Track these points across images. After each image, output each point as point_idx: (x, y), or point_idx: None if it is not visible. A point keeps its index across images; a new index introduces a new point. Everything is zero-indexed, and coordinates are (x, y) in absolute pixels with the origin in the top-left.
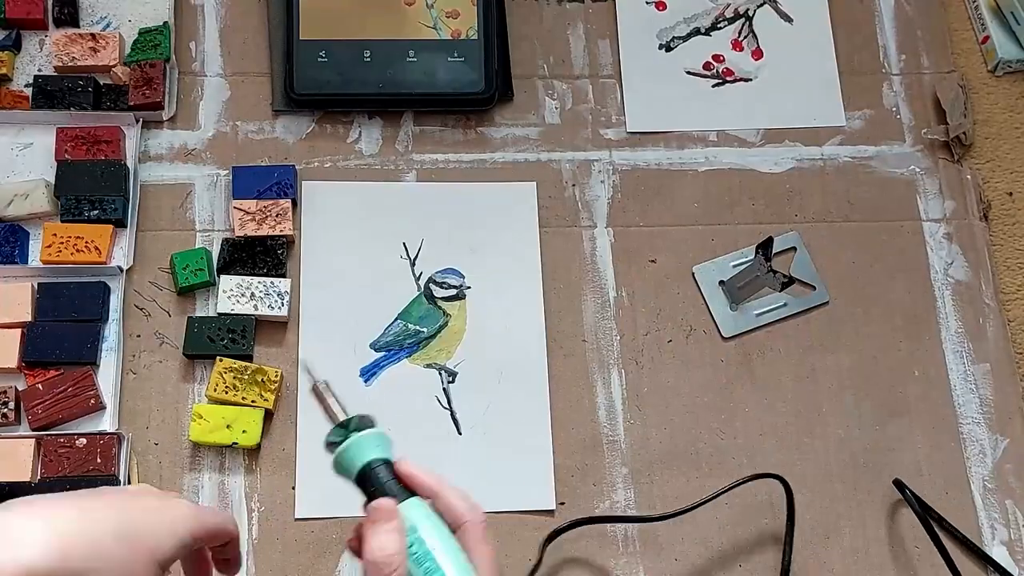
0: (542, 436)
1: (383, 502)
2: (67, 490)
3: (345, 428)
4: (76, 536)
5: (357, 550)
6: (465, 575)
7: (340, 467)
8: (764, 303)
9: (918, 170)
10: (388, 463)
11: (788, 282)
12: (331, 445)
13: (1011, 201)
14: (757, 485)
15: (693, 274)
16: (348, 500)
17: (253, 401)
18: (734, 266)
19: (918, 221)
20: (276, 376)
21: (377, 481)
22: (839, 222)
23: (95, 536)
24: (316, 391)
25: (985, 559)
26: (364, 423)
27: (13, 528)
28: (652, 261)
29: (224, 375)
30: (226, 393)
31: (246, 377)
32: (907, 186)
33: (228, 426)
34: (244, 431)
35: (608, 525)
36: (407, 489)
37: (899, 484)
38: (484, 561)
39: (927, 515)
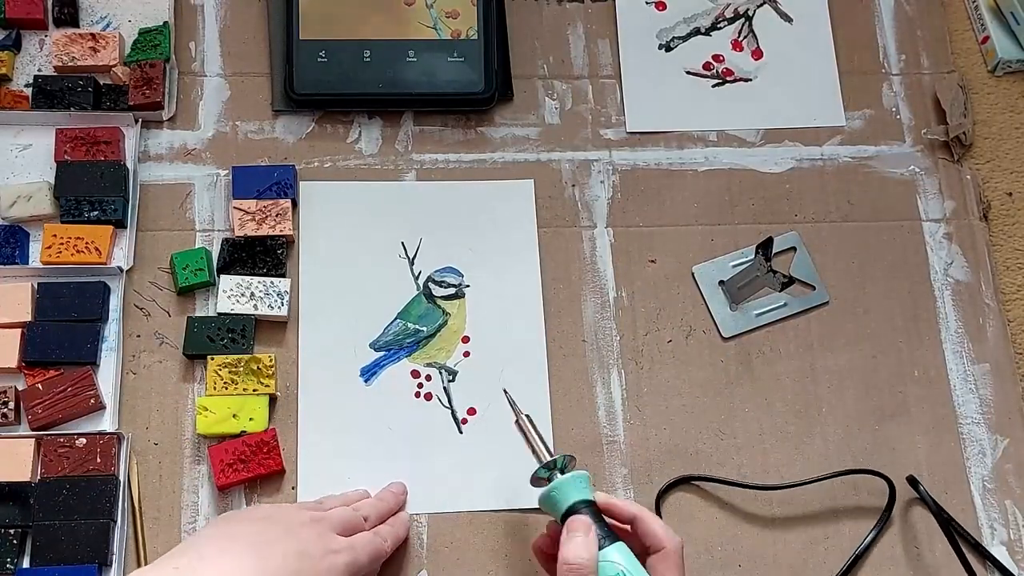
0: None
1: (580, 517)
2: (66, 491)
3: (552, 467)
4: None
5: (543, 553)
6: None
7: (548, 505)
8: (764, 303)
9: (918, 170)
10: (590, 503)
11: (788, 282)
12: (537, 480)
13: (1011, 201)
14: (757, 489)
15: (693, 274)
16: None
17: (255, 390)
18: (734, 266)
19: (918, 221)
20: (271, 361)
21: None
22: (839, 222)
23: None
24: (520, 426)
25: (989, 559)
26: (567, 463)
27: None
28: (652, 261)
29: (219, 372)
30: (226, 389)
31: (241, 368)
32: (907, 186)
33: (234, 415)
34: (251, 419)
35: None
36: (612, 532)
37: (912, 481)
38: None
39: (941, 513)
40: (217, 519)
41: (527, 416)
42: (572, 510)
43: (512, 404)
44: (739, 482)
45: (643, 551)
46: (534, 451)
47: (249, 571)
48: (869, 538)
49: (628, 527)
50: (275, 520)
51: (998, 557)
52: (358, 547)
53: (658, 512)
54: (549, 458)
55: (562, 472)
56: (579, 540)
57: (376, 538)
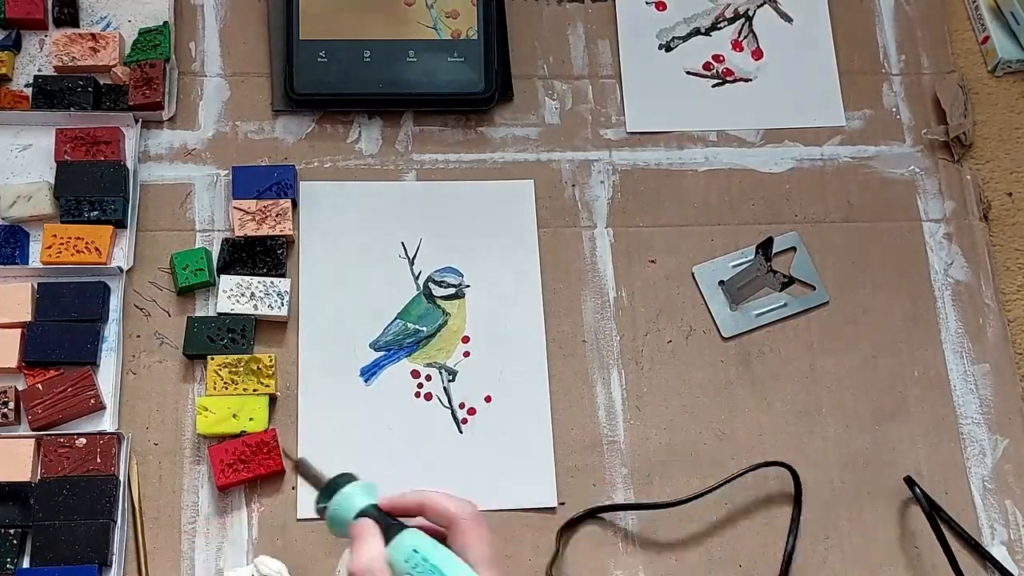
0: (542, 434)
1: (357, 523)
2: (66, 491)
3: (329, 491)
4: None
5: None
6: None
7: (336, 528)
8: (764, 303)
9: (918, 170)
10: (375, 506)
11: (788, 282)
12: (322, 510)
13: (1011, 201)
14: (757, 485)
15: (693, 274)
16: None
17: (255, 390)
18: (734, 266)
19: (918, 221)
20: (271, 361)
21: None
22: (839, 222)
23: None
24: (298, 468)
25: (988, 559)
26: (344, 480)
27: None
28: (652, 261)
29: (219, 372)
30: (226, 389)
31: (241, 368)
32: (907, 186)
33: (234, 415)
34: (251, 419)
35: (607, 525)
36: (401, 524)
37: (909, 481)
38: (479, 548)
39: (935, 514)
40: None
41: (303, 459)
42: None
43: (286, 454)
44: (641, 504)
45: (443, 534)
46: (313, 485)
47: None
48: (791, 540)
49: (421, 519)
50: None
51: (998, 557)
52: None
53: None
54: (325, 481)
55: None
56: (359, 547)
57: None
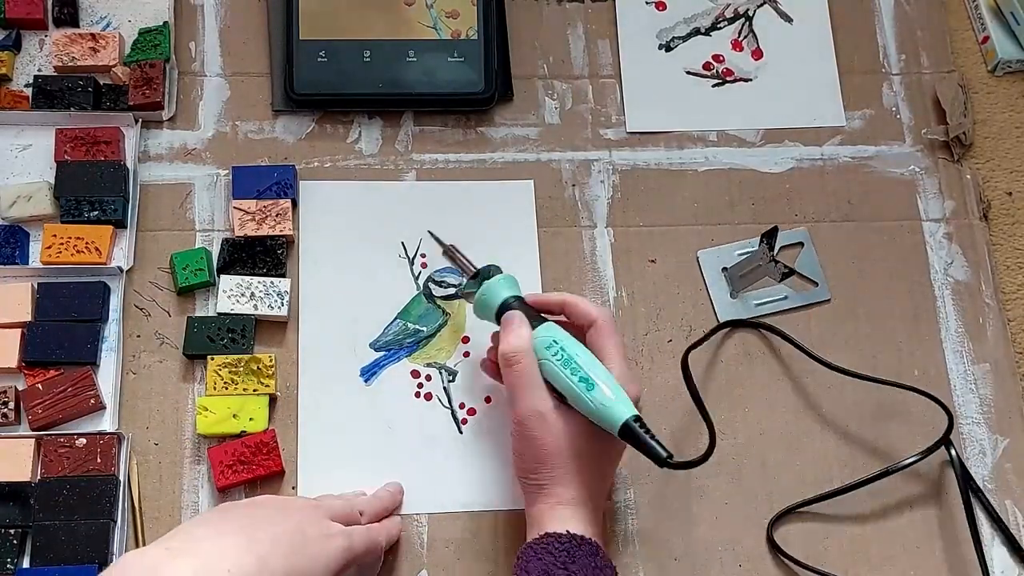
0: None
1: (510, 313)
2: (67, 491)
3: (477, 279)
4: None
5: (492, 364)
6: (600, 369)
7: (482, 310)
8: (765, 294)
9: (918, 170)
10: (519, 298)
11: (788, 273)
12: (468, 295)
13: (1011, 201)
14: (758, 487)
15: (697, 258)
16: None
17: (255, 390)
18: (738, 254)
19: (918, 221)
20: (271, 361)
21: (508, 311)
22: (839, 222)
23: None
24: (448, 253)
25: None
26: (493, 271)
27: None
28: (652, 261)
29: (220, 372)
30: (226, 389)
31: (241, 368)
32: (907, 186)
33: (234, 415)
34: (251, 419)
35: (608, 526)
36: (540, 315)
37: (947, 443)
38: (613, 350)
39: (967, 483)
40: (215, 507)
41: (452, 245)
42: (505, 307)
43: (436, 239)
44: (811, 352)
45: (580, 332)
46: (463, 270)
47: (240, 550)
48: (911, 460)
49: (563, 317)
50: (270, 505)
51: (998, 559)
52: (354, 535)
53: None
54: (475, 270)
55: None
56: (510, 332)
57: (371, 531)
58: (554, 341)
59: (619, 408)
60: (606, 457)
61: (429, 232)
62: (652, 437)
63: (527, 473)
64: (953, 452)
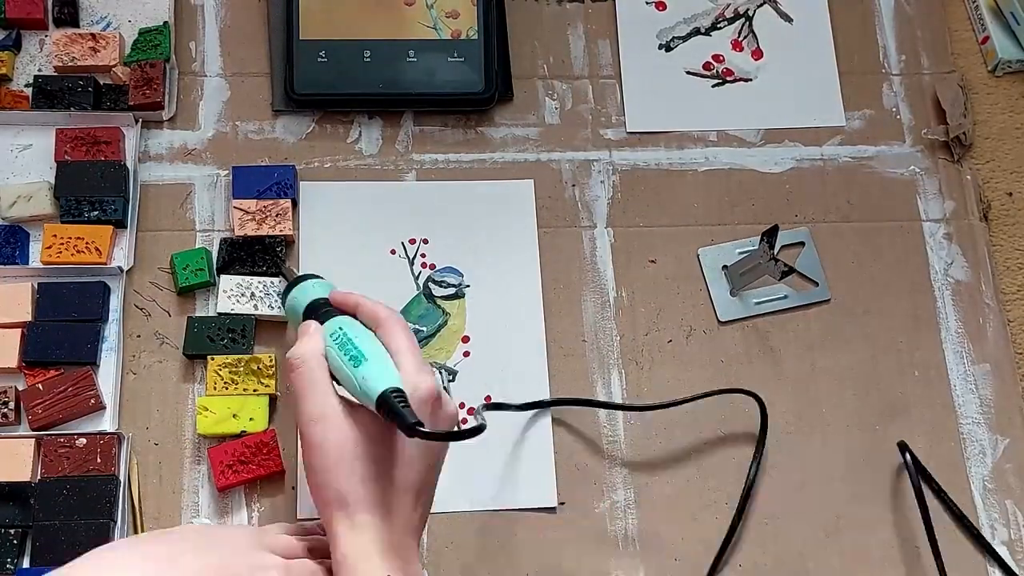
0: (542, 434)
1: (305, 322)
2: (67, 491)
3: (292, 286)
4: None
5: None
6: (376, 349)
7: (291, 313)
8: (765, 293)
9: (918, 170)
10: (325, 300)
11: (788, 272)
12: (283, 299)
13: (1011, 201)
14: (757, 482)
15: (698, 256)
16: None
17: (255, 390)
18: (739, 252)
19: (918, 221)
20: (271, 361)
21: (316, 313)
22: (839, 222)
23: None
24: (280, 268)
25: (989, 551)
26: (308, 278)
27: None
28: (652, 261)
29: (220, 372)
30: (226, 389)
31: (241, 368)
32: (907, 186)
33: (234, 415)
34: (251, 419)
35: (608, 526)
36: (340, 312)
37: (902, 446)
38: (398, 340)
39: (919, 479)
40: (139, 535)
41: (285, 262)
42: (309, 311)
43: (278, 257)
44: (611, 403)
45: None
46: (284, 276)
47: None
48: (754, 468)
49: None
50: (201, 533)
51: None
52: (294, 570)
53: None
54: (295, 276)
55: None
56: (302, 340)
57: (318, 569)
58: (339, 328)
59: (378, 381)
60: (401, 464)
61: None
62: (405, 406)
63: (318, 489)
64: (907, 456)
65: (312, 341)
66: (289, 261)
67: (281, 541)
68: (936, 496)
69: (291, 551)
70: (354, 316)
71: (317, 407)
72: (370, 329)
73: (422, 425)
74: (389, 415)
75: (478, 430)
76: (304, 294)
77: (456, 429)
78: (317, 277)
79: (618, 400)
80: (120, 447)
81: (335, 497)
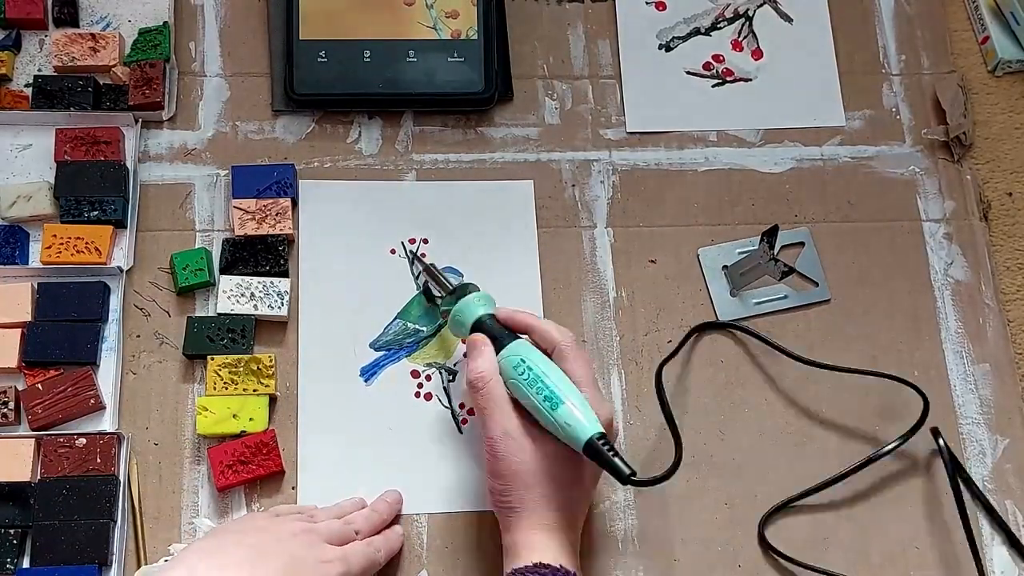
0: None
1: (474, 336)
2: (67, 491)
3: (454, 296)
4: None
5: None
6: (568, 386)
7: (456, 328)
8: (765, 293)
9: (918, 170)
10: (492, 316)
11: (788, 272)
12: (445, 312)
13: (1011, 201)
14: (757, 488)
15: (698, 256)
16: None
17: (255, 390)
18: (739, 252)
19: (918, 221)
20: (271, 361)
21: (482, 329)
22: (839, 222)
23: None
24: (428, 270)
25: (1003, 527)
26: (469, 288)
27: None
28: (652, 261)
29: (219, 372)
30: (226, 389)
31: (241, 369)
32: (907, 186)
33: (234, 415)
34: (251, 419)
35: (607, 526)
36: (513, 333)
37: (935, 432)
38: (579, 369)
39: (956, 472)
40: (211, 531)
41: (431, 264)
42: (477, 326)
43: (415, 259)
44: (779, 345)
45: (548, 354)
46: (440, 287)
47: None
48: (891, 446)
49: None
50: (268, 532)
51: (997, 558)
52: (350, 557)
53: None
54: (451, 287)
55: None
56: (475, 355)
57: (369, 549)
58: (522, 360)
59: (583, 426)
60: (579, 481)
61: (408, 251)
62: (616, 455)
63: (500, 495)
64: (941, 441)
65: (487, 359)
66: (289, 261)
67: (334, 529)
68: (964, 485)
69: (344, 536)
70: (523, 332)
71: (502, 426)
72: (545, 352)
73: (635, 474)
74: (599, 461)
75: (673, 470)
76: (470, 311)
77: (663, 473)
78: (475, 288)
79: (618, 401)
80: (120, 447)
81: (515, 503)
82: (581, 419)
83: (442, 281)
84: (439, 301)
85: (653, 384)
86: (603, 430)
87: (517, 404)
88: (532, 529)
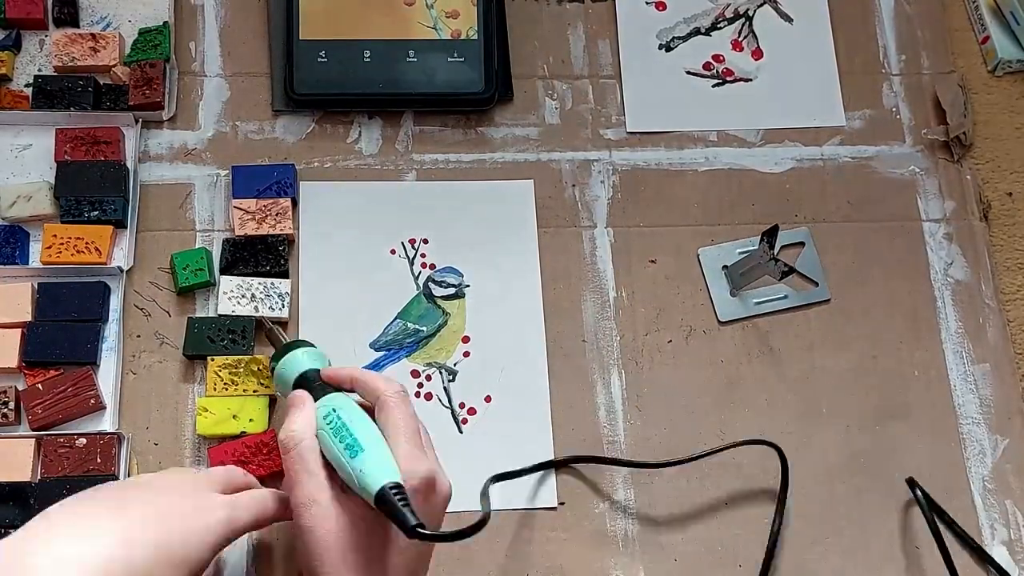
0: (542, 434)
1: (295, 393)
2: (67, 491)
3: (281, 353)
4: (117, 569)
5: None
6: (374, 437)
7: (279, 383)
8: (764, 293)
9: (918, 170)
10: (316, 371)
11: (788, 272)
12: (271, 369)
13: (1011, 201)
14: (757, 481)
15: (698, 256)
16: None
17: (255, 391)
18: (739, 252)
19: (918, 221)
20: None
21: (306, 385)
22: (839, 222)
23: (135, 564)
24: (264, 330)
25: (989, 561)
26: (299, 345)
27: (56, 559)
28: (652, 261)
29: (220, 373)
30: (226, 390)
31: (241, 370)
32: (907, 186)
33: (234, 416)
34: (251, 419)
35: (608, 526)
36: (334, 388)
37: (911, 482)
38: (400, 422)
39: (935, 516)
40: (86, 490)
41: (270, 321)
42: (300, 382)
43: (261, 318)
44: (624, 460)
45: (371, 406)
46: (273, 344)
47: (103, 532)
48: (776, 522)
49: (354, 393)
50: (142, 483)
51: (998, 558)
52: (240, 504)
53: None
54: (284, 343)
55: None
56: (291, 415)
57: (267, 497)
58: (333, 409)
59: (376, 475)
60: (394, 549)
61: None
62: (406, 505)
63: (307, 571)
64: (918, 492)
65: (304, 417)
66: (289, 261)
67: (220, 474)
68: (947, 526)
69: (234, 482)
70: (350, 390)
71: (309, 493)
72: (368, 404)
73: (423, 527)
74: (388, 514)
75: (481, 525)
76: (293, 366)
77: (457, 530)
78: (309, 345)
79: (618, 401)
80: (120, 447)
81: None
82: (375, 468)
83: (274, 338)
84: (270, 360)
85: (653, 381)
86: (399, 480)
87: (331, 471)
88: None
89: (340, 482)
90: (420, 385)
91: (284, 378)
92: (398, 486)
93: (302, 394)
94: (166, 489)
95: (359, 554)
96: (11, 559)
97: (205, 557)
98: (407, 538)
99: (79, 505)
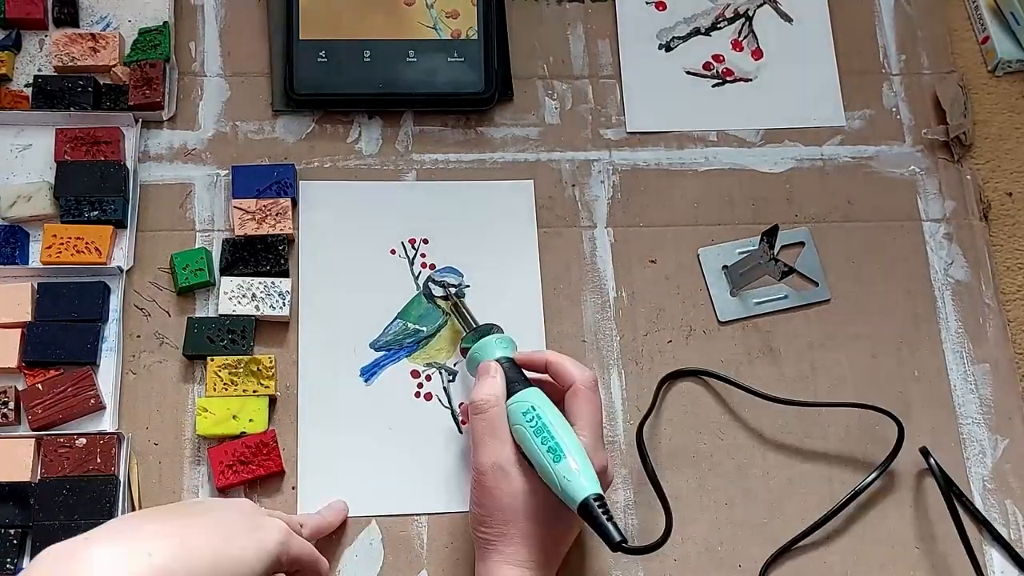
0: None
1: (487, 363)
2: (67, 491)
3: (475, 335)
4: (178, 568)
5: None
6: (573, 442)
7: (471, 366)
8: (764, 293)
9: (918, 170)
10: (510, 359)
11: (788, 272)
12: (464, 350)
13: (1011, 201)
14: (757, 488)
15: (698, 256)
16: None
17: (255, 391)
18: (739, 252)
19: (918, 221)
20: (271, 362)
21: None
22: (839, 222)
23: (192, 569)
24: (454, 305)
25: (998, 539)
26: (494, 330)
27: (115, 565)
28: (652, 261)
29: (219, 373)
30: (226, 390)
31: (241, 370)
32: (907, 186)
33: (234, 416)
34: (251, 419)
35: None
36: (527, 380)
37: (924, 452)
38: (587, 412)
39: (950, 489)
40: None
41: (461, 301)
42: None
43: (445, 287)
44: (750, 388)
45: (561, 395)
46: (464, 325)
47: (164, 534)
48: (872, 476)
49: (547, 376)
50: (206, 501)
51: (998, 558)
52: (292, 537)
53: (660, 397)
54: (475, 326)
55: None
56: (483, 381)
57: (311, 545)
58: (532, 407)
59: (581, 484)
60: (562, 524)
61: (433, 280)
62: (609, 519)
63: (480, 525)
64: (932, 461)
65: (496, 385)
66: (289, 261)
67: (276, 513)
68: (954, 498)
69: (288, 523)
70: (543, 372)
71: (495, 456)
72: (561, 389)
73: (626, 542)
74: (591, 523)
75: (666, 537)
76: (487, 352)
77: (653, 542)
78: (499, 330)
79: (618, 401)
80: (120, 447)
81: (496, 536)
82: (580, 477)
83: (467, 319)
84: (461, 339)
85: (652, 391)
86: (600, 491)
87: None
88: (506, 564)
89: (519, 451)
90: (420, 385)
91: (475, 361)
92: (600, 497)
93: (493, 365)
94: (228, 507)
95: (531, 521)
96: (71, 555)
97: (260, 571)
98: (610, 550)
99: (145, 515)
